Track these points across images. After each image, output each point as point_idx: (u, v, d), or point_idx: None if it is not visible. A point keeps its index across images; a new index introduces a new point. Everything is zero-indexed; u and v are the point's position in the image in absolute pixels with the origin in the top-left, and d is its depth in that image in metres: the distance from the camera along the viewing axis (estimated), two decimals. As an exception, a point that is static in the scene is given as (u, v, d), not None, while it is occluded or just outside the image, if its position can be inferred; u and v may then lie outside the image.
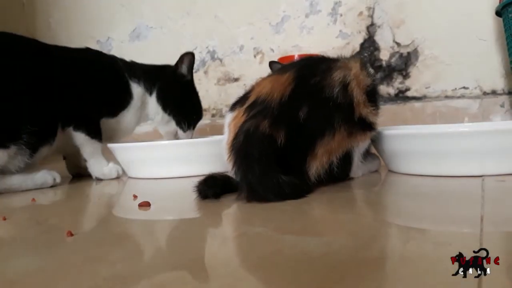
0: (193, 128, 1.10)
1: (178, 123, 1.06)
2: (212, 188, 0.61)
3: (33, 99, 0.85)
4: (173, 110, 1.05)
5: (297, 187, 0.60)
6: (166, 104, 1.05)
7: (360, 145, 0.68)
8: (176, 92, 1.07)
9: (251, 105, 0.64)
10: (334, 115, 0.62)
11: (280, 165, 0.59)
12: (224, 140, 0.68)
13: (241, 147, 0.60)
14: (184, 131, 1.07)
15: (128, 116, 1.04)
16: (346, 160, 0.67)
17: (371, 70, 0.75)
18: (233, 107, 0.69)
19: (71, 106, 0.92)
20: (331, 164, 0.64)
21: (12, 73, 0.84)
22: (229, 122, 0.67)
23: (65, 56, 0.98)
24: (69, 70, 0.95)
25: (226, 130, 0.68)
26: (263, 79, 0.68)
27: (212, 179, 0.62)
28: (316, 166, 0.63)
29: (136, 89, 1.04)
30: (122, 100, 1.02)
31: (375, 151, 0.81)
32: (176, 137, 1.09)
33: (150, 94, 1.05)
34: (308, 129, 0.62)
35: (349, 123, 0.64)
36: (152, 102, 1.06)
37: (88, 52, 1.05)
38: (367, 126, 0.67)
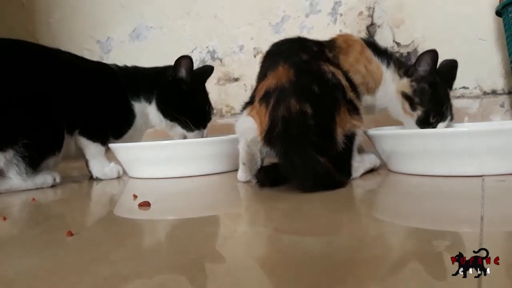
0: (204, 128, 1.05)
1: (183, 127, 1.03)
2: (269, 177, 0.66)
3: (37, 106, 0.86)
4: (174, 116, 1.02)
5: (332, 177, 0.65)
6: (166, 111, 1.02)
7: (357, 131, 0.71)
8: (175, 97, 1.04)
9: (264, 96, 0.70)
10: (335, 91, 0.70)
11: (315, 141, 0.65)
12: (250, 127, 0.71)
13: (284, 135, 0.64)
14: (192, 132, 1.05)
15: (131, 131, 1.05)
16: (348, 144, 0.70)
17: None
18: (245, 107, 0.76)
19: (77, 114, 0.94)
20: (340, 142, 0.69)
21: (14, 80, 0.84)
22: (247, 113, 0.73)
23: (76, 68, 0.99)
24: (76, 80, 0.96)
25: (247, 120, 0.73)
26: (261, 82, 0.74)
27: (272, 168, 0.67)
28: (339, 133, 0.68)
29: (138, 107, 1.03)
30: (125, 123, 1.03)
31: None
32: (185, 137, 1.06)
33: (150, 103, 1.04)
34: (325, 101, 0.69)
35: (345, 100, 0.71)
36: (153, 111, 1.04)
37: (93, 65, 1.06)
38: (355, 108, 0.73)
